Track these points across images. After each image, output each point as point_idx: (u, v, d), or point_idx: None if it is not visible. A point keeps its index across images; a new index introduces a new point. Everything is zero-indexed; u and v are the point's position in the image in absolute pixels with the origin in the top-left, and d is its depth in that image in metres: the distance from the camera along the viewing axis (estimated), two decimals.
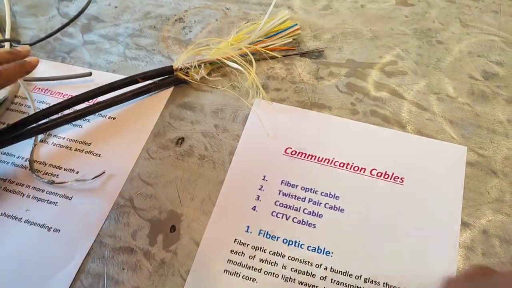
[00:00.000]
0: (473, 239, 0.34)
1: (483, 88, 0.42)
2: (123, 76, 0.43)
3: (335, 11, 0.49)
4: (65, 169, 0.39)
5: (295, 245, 0.35)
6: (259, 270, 0.34)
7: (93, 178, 0.38)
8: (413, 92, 0.42)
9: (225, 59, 0.43)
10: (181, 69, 0.43)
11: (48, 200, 0.38)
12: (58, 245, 0.35)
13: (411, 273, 0.33)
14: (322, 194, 0.37)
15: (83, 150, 0.40)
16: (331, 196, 0.37)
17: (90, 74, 0.44)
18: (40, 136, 0.41)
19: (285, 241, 0.35)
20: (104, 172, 0.38)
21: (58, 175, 0.39)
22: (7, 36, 0.48)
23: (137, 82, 0.42)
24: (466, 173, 0.37)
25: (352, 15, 0.48)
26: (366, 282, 0.33)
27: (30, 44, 0.47)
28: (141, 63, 0.46)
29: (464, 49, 0.45)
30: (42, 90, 0.45)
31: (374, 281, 0.33)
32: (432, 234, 0.34)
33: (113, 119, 0.42)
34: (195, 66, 0.43)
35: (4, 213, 0.37)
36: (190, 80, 0.43)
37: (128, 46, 0.48)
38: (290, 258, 0.34)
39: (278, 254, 0.34)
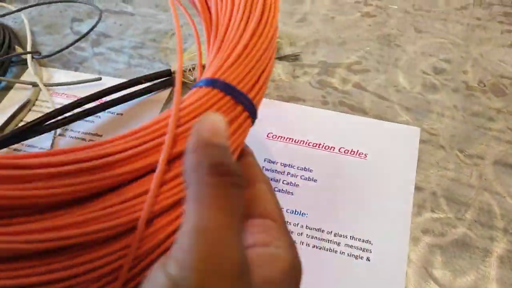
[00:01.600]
0: (424, 199, 0.41)
1: (433, 81, 0.50)
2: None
3: (310, 23, 0.57)
4: None
5: None
6: None
7: None
8: (374, 86, 0.50)
9: None
10: None
11: None
12: None
13: (373, 226, 0.40)
14: (298, 168, 0.44)
15: (95, 141, 0.47)
16: (305, 169, 0.44)
17: (100, 79, 0.52)
18: (59, 131, 0.49)
19: None
20: None
21: None
22: (29, 50, 0.56)
23: (141, 83, 0.49)
24: (420, 148, 0.44)
25: (324, 25, 0.57)
26: (336, 236, 0.39)
27: (48, 56, 0.55)
28: (144, 70, 0.54)
29: (418, 50, 0.53)
30: (59, 94, 0.52)
31: (342, 235, 0.39)
32: (391, 196, 0.41)
33: (121, 115, 0.50)
34: (189, 69, 0.50)
35: None
36: (186, 81, 0.50)
37: (132, 56, 0.55)
38: None
39: None
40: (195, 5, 0.32)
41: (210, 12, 0.31)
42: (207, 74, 0.26)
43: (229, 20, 0.27)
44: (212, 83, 0.25)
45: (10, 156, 0.21)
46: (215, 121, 0.20)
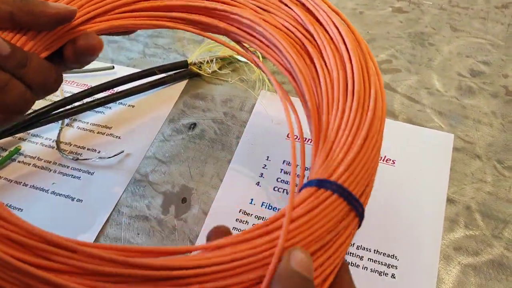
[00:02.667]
0: (457, 213, 0.37)
1: (470, 84, 0.46)
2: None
3: None
4: (88, 149, 0.44)
5: None
6: None
7: (113, 156, 0.42)
8: (405, 87, 0.46)
9: (235, 55, 0.47)
10: (195, 63, 0.47)
11: (72, 175, 0.42)
12: (81, 213, 0.39)
13: (399, 240, 0.36)
14: None
15: (104, 133, 0.45)
16: None
17: (113, 67, 0.49)
18: (66, 121, 0.46)
19: None
20: (123, 151, 0.42)
21: (81, 153, 0.43)
22: None
23: (155, 74, 0.47)
24: (453, 157, 0.41)
25: (351, 20, 0.53)
26: (358, 249, 0.36)
27: None
28: (159, 60, 0.51)
29: (454, 50, 0.49)
30: (69, 82, 0.50)
31: (366, 248, 0.36)
32: (420, 208, 0.38)
33: (132, 107, 0.47)
34: (207, 61, 0.47)
35: (33, 185, 0.41)
36: (203, 74, 0.48)
37: (147, 45, 0.53)
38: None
39: None
40: (304, 102, 0.31)
41: (318, 112, 0.30)
42: (316, 175, 0.25)
43: (340, 124, 0.27)
44: (325, 184, 0.24)
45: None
46: (303, 255, 0.21)
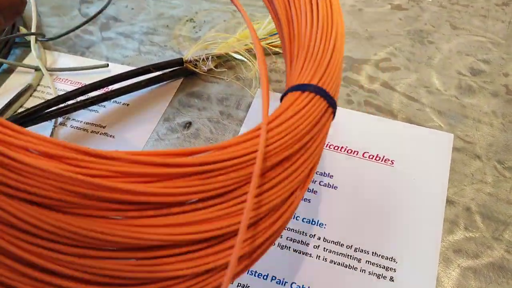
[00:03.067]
0: (457, 214, 0.37)
1: (470, 83, 0.45)
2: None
3: None
4: None
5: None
6: None
7: None
8: (404, 85, 0.45)
9: (231, 53, 0.47)
10: (190, 61, 0.46)
11: None
12: None
13: (398, 242, 0.35)
14: (317, 173, 0.40)
15: (98, 132, 0.44)
16: (325, 175, 0.40)
17: (107, 65, 0.48)
18: (59, 120, 0.45)
19: None
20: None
21: None
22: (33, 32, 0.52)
23: (150, 71, 0.46)
24: (453, 157, 0.40)
25: (350, 17, 0.52)
26: (356, 251, 0.35)
27: (53, 39, 0.51)
28: (154, 57, 0.50)
29: (454, 49, 0.48)
30: (63, 80, 0.49)
31: (364, 250, 0.35)
32: (419, 209, 0.37)
33: (127, 105, 0.46)
34: (203, 59, 0.46)
35: None
36: (199, 72, 0.47)
37: (143, 42, 0.52)
38: (286, 228, 0.37)
39: None
40: (276, 14, 0.35)
41: (292, 25, 0.33)
42: (297, 81, 0.30)
43: (311, 33, 0.31)
44: (309, 88, 0.29)
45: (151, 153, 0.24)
46: None
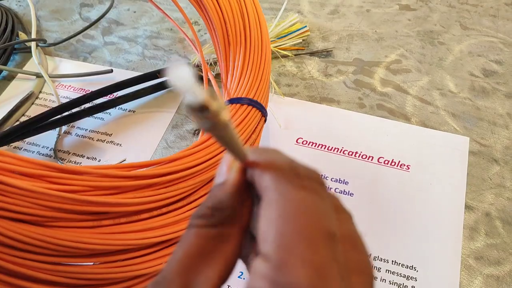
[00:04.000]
0: (476, 220, 0.36)
1: (483, 85, 0.44)
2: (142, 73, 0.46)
3: (342, 15, 0.52)
4: (88, 157, 0.42)
5: None
6: None
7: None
8: (417, 88, 0.44)
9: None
10: (197, 66, 0.45)
11: None
12: None
13: (418, 252, 0.35)
14: (332, 179, 0.39)
15: (104, 140, 0.43)
16: (340, 181, 0.39)
17: (111, 71, 0.47)
18: (64, 128, 0.44)
19: None
20: (125, 159, 0.40)
21: (81, 162, 0.41)
22: (33, 37, 0.51)
23: (156, 77, 0.44)
24: (469, 161, 0.39)
25: (358, 18, 0.51)
26: (376, 260, 0.35)
27: (54, 44, 0.50)
28: (159, 62, 0.49)
29: (465, 49, 0.47)
30: (65, 87, 0.47)
31: (383, 259, 0.35)
32: (438, 215, 0.36)
33: (133, 112, 0.45)
34: (211, 64, 0.45)
35: None
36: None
37: (147, 46, 0.50)
38: None
39: None
40: (217, 42, 0.41)
41: (229, 49, 0.39)
42: (236, 94, 0.36)
43: (243, 63, 0.38)
44: (245, 101, 0.36)
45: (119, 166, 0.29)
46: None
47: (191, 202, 0.31)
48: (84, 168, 0.27)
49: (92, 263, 0.27)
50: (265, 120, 0.37)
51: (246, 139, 0.34)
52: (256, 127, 0.35)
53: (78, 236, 0.25)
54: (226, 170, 0.18)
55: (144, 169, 0.30)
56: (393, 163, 0.39)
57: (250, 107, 0.35)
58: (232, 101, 0.36)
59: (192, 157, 0.31)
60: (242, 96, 0.35)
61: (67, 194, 0.25)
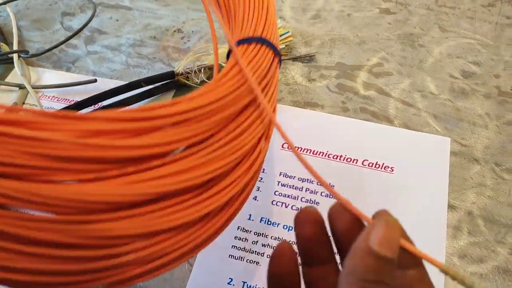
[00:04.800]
0: (459, 219, 0.37)
1: (462, 86, 0.45)
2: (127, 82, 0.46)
3: (324, 20, 0.52)
4: None
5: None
6: (262, 254, 0.36)
7: None
8: (398, 91, 0.45)
9: (223, 63, 0.46)
10: (182, 74, 0.46)
11: None
12: None
13: None
14: (319, 183, 0.39)
15: None
16: None
17: (95, 80, 0.47)
18: None
19: (285, 227, 0.37)
20: None
21: None
22: (15, 48, 0.50)
23: (141, 86, 0.45)
24: (451, 161, 0.40)
25: (339, 23, 0.52)
26: None
27: (37, 55, 0.50)
28: (143, 70, 0.49)
29: (444, 51, 0.48)
30: (49, 97, 0.47)
31: None
32: (422, 216, 0.37)
33: None
34: (195, 71, 0.46)
35: None
36: (191, 84, 0.46)
37: (130, 55, 0.50)
38: (289, 242, 0.36)
39: (279, 239, 0.36)
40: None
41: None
42: (242, 35, 0.31)
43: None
44: (254, 40, 0.31)
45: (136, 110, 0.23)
46: (389, 229, 0.20)
47: (220, 139, 0.26)
48: (98, 113, 0.22)
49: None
50: (279, 61, 0.34)
51: (260, 81, 0.30)
52: (269, 67, 0.31)
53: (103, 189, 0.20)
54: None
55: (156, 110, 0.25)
56: (377, 166, 0.40)
57: (259, 45, 0.31)
58: (239, 43, 0.31)
59: (201, 98, 0.26)
60: (249, 36, 0.31)
61: (91, 140, 0.20)
